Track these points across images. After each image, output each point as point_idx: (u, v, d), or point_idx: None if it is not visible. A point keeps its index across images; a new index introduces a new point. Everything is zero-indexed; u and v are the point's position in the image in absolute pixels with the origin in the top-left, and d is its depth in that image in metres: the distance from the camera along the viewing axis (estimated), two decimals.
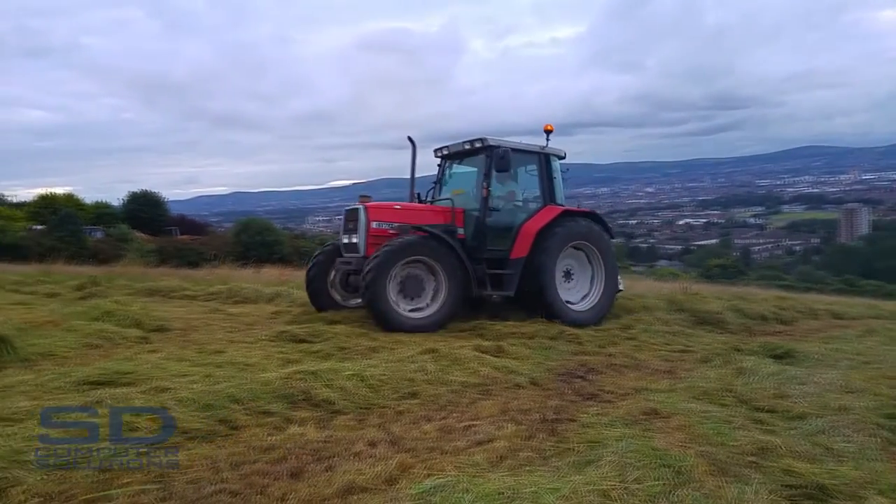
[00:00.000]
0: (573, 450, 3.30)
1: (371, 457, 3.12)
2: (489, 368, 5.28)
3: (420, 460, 3.09)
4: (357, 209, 8.91)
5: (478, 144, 9.11)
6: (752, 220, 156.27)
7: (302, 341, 6.68)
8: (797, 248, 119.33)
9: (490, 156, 8.86)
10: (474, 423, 3.87)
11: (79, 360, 5.54)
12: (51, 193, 57.55)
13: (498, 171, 8.76)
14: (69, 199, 57.35)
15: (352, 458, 3.09)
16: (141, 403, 3.56)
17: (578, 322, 8.62)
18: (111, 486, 2.62)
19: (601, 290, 9.53)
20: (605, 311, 9.43)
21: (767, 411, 4.11)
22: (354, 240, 8.81)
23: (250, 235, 49.18)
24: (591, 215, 9.77)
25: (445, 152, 9.91)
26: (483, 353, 5.78)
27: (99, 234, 49.65)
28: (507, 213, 9.39)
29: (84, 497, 2.49)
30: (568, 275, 9.54)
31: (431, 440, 3.47)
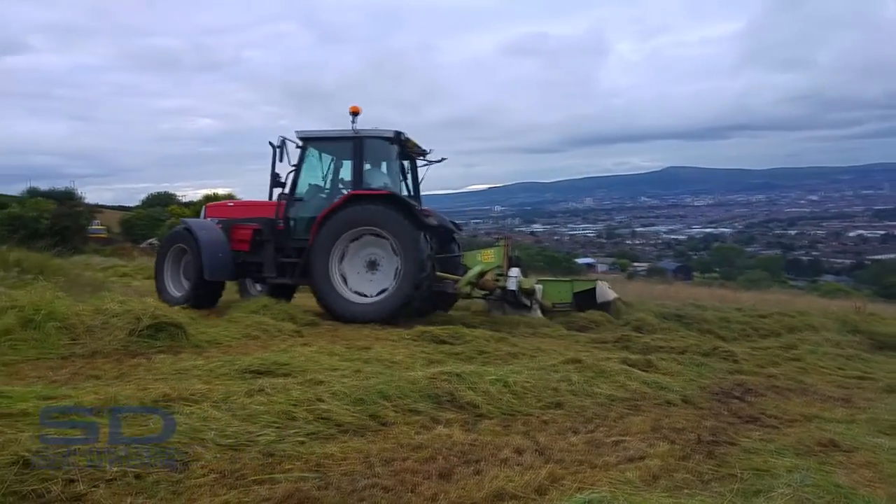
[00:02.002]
0: (737, 476, 3.03)
1: (519, 464, 3.06)
2: (637, 383, 5.02)
3: (569, 472, 2.99)
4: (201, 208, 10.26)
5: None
6: None
7: (443, 342, 6.80)
8: None
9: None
10: (624, 438, 3.68)
11: (241, 349, 6.01)
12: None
13: (279, 160, 9.08)
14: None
15: (499, 464, 3.05)
16: (298, 394, 3.75)
17: (359, 317, 8.17)
18: (275, 470, 2.79)
19: (396, 284, 8.55)
20: (394, 307, 8.40)
21: None
22: None
23: None
24: (386, 198, 8.70)
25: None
26: (631, 366, 5.51)
27: None
28: (316, 202, 9.34)
29: (253, 477, 2.66)
30: (373, 265, 8.93)
31: (580, 453, 3.34)
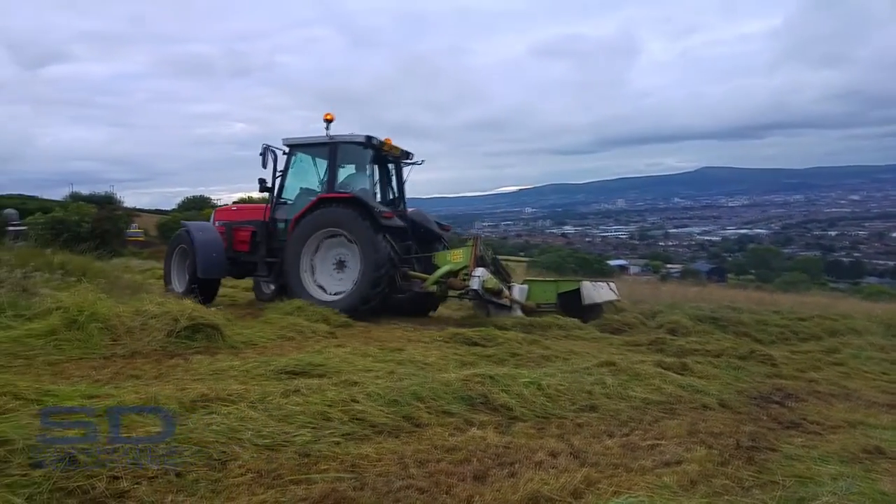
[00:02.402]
0: (779, 483, 2.96)
1: (553, 467, 3.03)
2: (673, 386, 4.94)
3: (605, 476, 2.95)
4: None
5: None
6: None
7: (475, 344, 6.80)
8: None
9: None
10: (659, 442, 3.62)
11: (276, 350, 6.07)
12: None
13: (263, 167, 9.69)
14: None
15: (534, 466, 3.03)
16: (333, 395, 3.77)
17: None
18: (311, 470, 2.81)
19: (355, 280, 9.03)
20: (353, 303, 8.75)
21: None
22: None
23: None
24: (350, 200, 9.16)
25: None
26: (665, 369, 5.43)
27: None
28: (301, 204, 9.78)
29: (290, 477, 2.69)
30: (341, 264, 9.46)
31: (615, 456, 3.30)
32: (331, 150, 9.64)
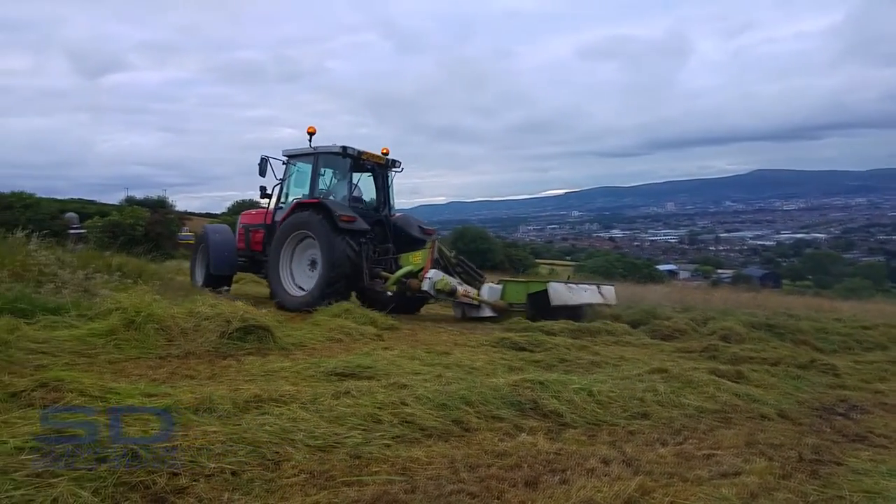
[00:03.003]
0: (846, 498, 2.82)
1: (606, 475, 2.96)
2: (728, 395, 4.79)
3: (660, 485, 2.87)
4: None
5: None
6: None
7: (522, 349, 6.75)
8: None
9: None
10: (715, 452, 3.51)
11: (325, 351, 6.15)
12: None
13: (261, 175, 10.81)
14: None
15: (586, 473, 2.97)
16: (383, 397, 3.78)
17: (294, 308, 9.33)
18: (363, 472, 2.82)
19: (317, 278, 9.72)
20: (315, 300, 9.27)
21: None
22: None
23: (465, 243, 51.29)
24: (316, 205, 9.89)
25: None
26: (720, 377, 5.27)
27: None
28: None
29: (342, 479, 2.71)
30: (314, 264, 10.12)
31: (669, 465, 3.21)
32: (313, 159, 10.69)
